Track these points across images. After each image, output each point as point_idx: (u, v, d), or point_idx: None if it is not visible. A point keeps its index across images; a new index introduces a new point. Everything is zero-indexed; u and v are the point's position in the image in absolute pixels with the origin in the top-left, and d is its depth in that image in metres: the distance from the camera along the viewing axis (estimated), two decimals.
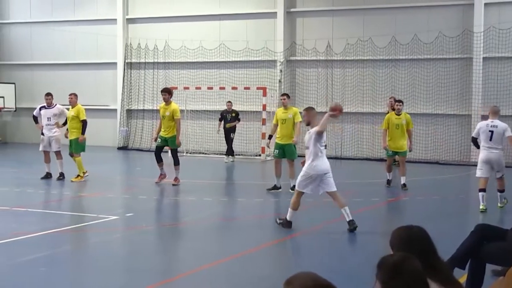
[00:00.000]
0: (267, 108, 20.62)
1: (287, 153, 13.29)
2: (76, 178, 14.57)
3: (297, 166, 11.55)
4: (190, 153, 21.64)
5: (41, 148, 15.09)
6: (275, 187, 13.30)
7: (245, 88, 21.65)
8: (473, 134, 11.51)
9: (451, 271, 4.09)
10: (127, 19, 24.58)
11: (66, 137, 14.96)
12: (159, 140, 14.31)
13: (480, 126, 11.24)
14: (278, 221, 9.61)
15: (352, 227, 9.27)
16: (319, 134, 9.29)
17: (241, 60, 22.62)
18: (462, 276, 5.87)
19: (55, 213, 11.33)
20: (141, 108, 24.42)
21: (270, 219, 10.32)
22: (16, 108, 25.62)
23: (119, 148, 24.08)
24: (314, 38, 21.74)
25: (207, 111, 22.78)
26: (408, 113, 14.71)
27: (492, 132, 10.97)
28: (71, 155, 14.84)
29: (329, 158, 20.09)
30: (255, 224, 10.36)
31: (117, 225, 10.15)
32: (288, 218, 9.53)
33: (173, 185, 13.97)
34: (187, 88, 22.37)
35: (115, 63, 24.68)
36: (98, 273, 7.30)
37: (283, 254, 8.85)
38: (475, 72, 19.88)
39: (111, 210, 11.15)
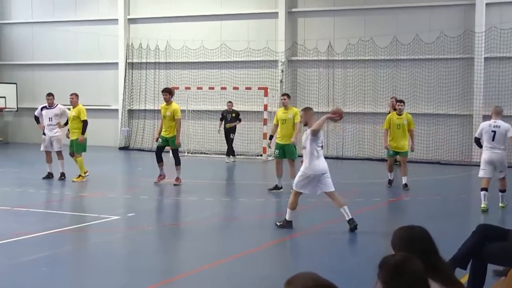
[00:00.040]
0: (269, 108, 20.62)
1: (287, 153, 13.30)
2: (77, 178, 14.58)
3: (297, 166, 11.55)
4: (191, 153, 21.64)
5: (42, 148, 15.10)
6: (276, 187, 13.31)
7: (247, 88, 21.65)
8: (476, 135, 11.51)
9: (453, 271, 4.08)
10: (128, 19, 24.59)
11: (68, 137, 14.97)
12: (160, 140, 14.33)
13: (483, 127, 11.24)
14: (278, 224, 9.61)
15: (352, 225, 9.27)
16: (314, 134, 9.28)
17: (242, 60, 22.62)
18: (463, 276, 5.86)
19: (56, 213, 11.34)
20: (143, 108, 24.43)
21: (271, 219, 10.32)
22: (17, 108, 25.64)
23: (120, 148, 24.09)
24: (316, 38, 21.74)
25: (208, 111, 22.78)
26: (409, 113, 14.71)
27: (494, 132, 10.97)
28: (72, 155, 14.85)
29: (330, 158, 20.22)
30: (256, 224, 10.35)
31: (118, 225, 10.16)
32: (287, 218, 9.53)
33: (175, 185, 13.98)
34: (189, 88, 22.37)
35: (116, 63, 24.69)
36: (99, 273, 7.30)
37: (284, 254, 8.85)
38: (476, 72, 19.86)
39: (113, 210, 11.16)
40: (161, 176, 14.31)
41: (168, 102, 14.11)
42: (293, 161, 13.22)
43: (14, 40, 26.64)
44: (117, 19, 24.51)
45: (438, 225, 9.06)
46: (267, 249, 8.75)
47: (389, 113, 15.03)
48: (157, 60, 24.12)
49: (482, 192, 11.06)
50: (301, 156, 9.78)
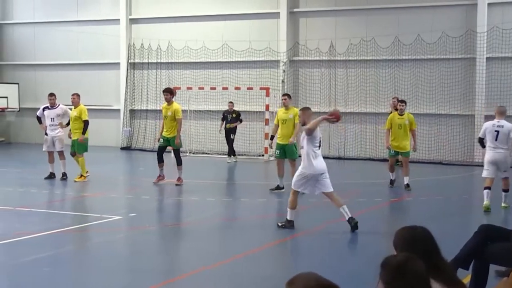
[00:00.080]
0: (270, 108, 20.62)
1: (287, 153, 13.29)
2: (79, 178, 14.59)
3: (298, 165, 11.54)
4: (193, 153, 21.64)
5: (44, 148, 15.12)
6: (278, 187, 13.31)
7: (248, 88, 21.64)
8: (480, 135, 11.52)
9: (455, 271, 4.08)
10: (130, 19, 24.60)
11: (70, 137, 14.98)
12: (161, 140, 14.34)
13: (486, 126, 11.28)
14: (280, 224, 9.61)
15: (352, 223, 9.26)
16: (308, 134, 9.30)
17: (244, 60, 22.62)
18: (465, 277, 5.86)
19: (58, 213, 11.35)
20: (144, 108, 24.45)
21: (273, 219, 10.32)
22: (19, 108, 25.67)
23: (122, 148, 24.10)
24: (317, 38, 21.73)
25: (210, 111, 22.78)
26: (411, 113, 14.69)
27: (498, 132, 11.01)
28: (73, 155, 14.86)
29: (332, 158, 20.23)
30: (258, 224, 10.35)
31: (120, 225, 10.17)
32: (288, 218, 9.54)
33: (176, 185, 13.98)
34: (190, 88, 22.37)
35: (118, 63, 24.70)
36: (101, 273, 7.31)
37: (286, 254, 8.85)
38: (478, 72, 19.84)
39: (114, 210, 11.16)
40: (160, 177, 14.31)
41: (169, 102, 14.12)
42: (294, 161, 13.21)
43: (16, 40, 26.67)
44: (119, 19, 24.53)
45: (440, 225, 9.05)
46: (269, 249, 8.75)
47: (391, 113, 15.03)
48: (158, 60, 24.13)
49: (485, 191, 11.09)
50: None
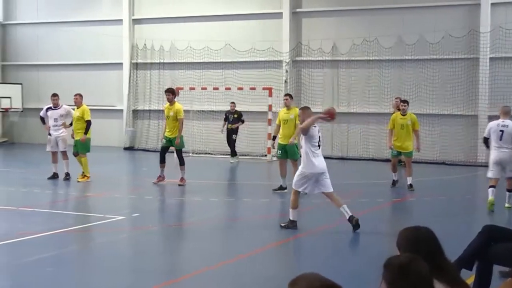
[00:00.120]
0: (273, 109, 20.60)
1: (289, 153, 13.27)
2: (82, 178, 14.61)
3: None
4: (196, 154, 21.64)
5: (48, 149, 15.13)
6: (281, 188, 13.30)
7: (251, 89, 21.64)
8: (485, 134, 11.56)
9: (458, 272, 4.08)
10: (133, 19, 24.63)
11: (73, 137, 15.00)
12: (164, 140, 14.34)
13: (491, 126, 11.32)
14: (283, 225, 9.61)
15: (353, 221, 9.26)
16: (303, 133, 9.32)
17: (246, 61, 22.62)
18: (469, 277, 5.85)
19: (61, 213, 11.36)
20: (147, 108, 24.47)
21: (276, 219, 10.32)
22: (23, 108, 25.72)
23: (125, 149, 24.12)
24: (320, 38, 21.72)
25: (213, 111, 22.78)
26: (414, 114, 14.66)
27: (502, 131, 11.05)
28: (75, 155, 14.87)
29: (335, 158, 20.20)
30: (260, 224, 10.35)
31: (123, 225, 10.17)
32: (291, 218, 9.53)
33: (179, 185, 13.99)
34: (193, 88, 22.38)
35: (121, 64, 24.73)
36: (104, 273, 7.32)
37: (289, 254, 8.85)
38: (481, 72, 19.80)
39: (118, 210, 11.17)
40: (160, 178, 14.30)
41: (171, 102, 14.14)
42: (296, 161, 13.19)
43: (19, 41, 26.71)
44: (121, 20, 24.56)
45: (444, 226, 9.04)
46: (272, 250, 8.75)
47: (394, 113, 15.01)
48: (161, 61, 24.15)
49: (490, 189, 11.14)
50: None
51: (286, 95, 14.18)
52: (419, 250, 3.35)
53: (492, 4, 19.71)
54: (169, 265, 7.98)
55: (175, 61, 23.83)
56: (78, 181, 14.49)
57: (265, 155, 20.74)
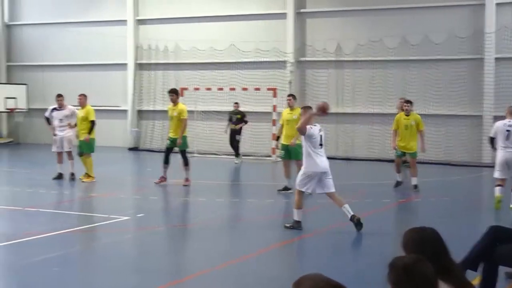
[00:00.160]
0: (278, 109, 20.57)
1: (292, 153, 13.24)
2: (87, 178, 14.64)
3: None
4: (200, 154, 21.65)
5: (54, 149, 15.17)
6: (286, 188, 13.28)
7: (256, 89, 21.63)
8: (491, 134, 11.58)
9: (464, 273, 4.07)
10: (137, 20, 24.67)
11: (78, 138, 15.04)
12: (168, 141, 14.35)
13: (497, 126, 11.35)
14: (287, 225, 9.60)
15: (355, 220, 9.25)
16: (300, 133, 9.33)
17: (251, 61, 22.62)
18: (474, 278, 5.84)
19: (66, 213, 11.40)
20: (152, 109, 24.50)
21: (280, 220, 10.31)
22: (28, 109, 25.79)
23: (130, 149, 24.15)
24: (324, 39, 21.71)
25: (217, 112, 22.78)
26: (419, 114, 14.62)
27: (509, 131, 11.07)
28: (80, 155, 14.91)
29: (339, 159, 20.14)
30: (265, 225, 10.34)
31: (128, 225, 10.19)
32: (295, 218, 9.52)
33: (184, 185, 14.00)
34: (198, 88, 22.39)
35: (125, 64, 24.77)
36: (109, 273, 7.34)
37: (293, 255, 8.85)
38: (486, 72, 19.76)
39: (122, 210, 11.19)
40: (162, 178, 14.29)
41: (175, 102, 14.15)
42: (299, 161, 13.18)
43: (24, 41, 26.79)
44: (126, 20, 24.60)
45: (449, 227, 9.03)
46: (276, 250, 8.75)
47: (398, 114, 14.98)
48: (166, 61, 24.17)
49: (497, 188, 11.14)
50: None
51: (289, 95, 14.18)
52: (424, 250, 3.35)
53: (497, 4, 19.66)
54: (173, 265, 8.00)
55: (179, 61, 23.85)
56: (83, 181, 14.52)
57: (270, 156, 20.73)
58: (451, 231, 7.69)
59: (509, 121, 11.19)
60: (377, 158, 20.69)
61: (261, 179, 16.38)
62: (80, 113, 14.84)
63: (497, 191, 11.15)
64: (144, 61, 24.61)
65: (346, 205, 9.41)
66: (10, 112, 25.69)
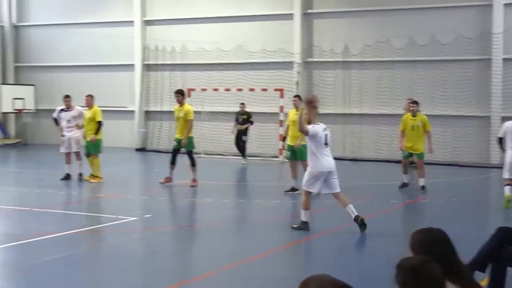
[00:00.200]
0: (285, 110, 20.57)
1: (297, 154, 13.24)
2: (94, 179, 14.69)
3: None
4: (207, 155, 21.67)
5: (62, 150, 15.22)
6: (293, 189, 13.27)
7: (263, 90, 21.63)
8: (500, 134, 11.59)
9: (472, 274, 4.07)
10: (144, 21, 24.73)
11: (85, 138, 15.10)
12: (175, 142, 14.37)
13: (507, 126, 11.35)
14: (294, 226, 9.59)
15: (359, 221, 9.24)
16: (302, 132, 9.35)
17: (258, 62, 22.63)
18: (483, 280, 5.82)
19: (74, 214, 11.44)
20: (159, 109, 24.55)
21: (287, 221, 10.31)
22: (36, 109, 25.90)
23: (137, 150, 24.21)
24: (331, 39, 21.70)
25: (224, 112, 22.80)
26: (426, 115, 14.58)
27: None
28: (88, 155, 14.96)
29: (347, 159, 20.10)
30: (272, 226, 10.34)
31: (135, 226, 10.22)
32: (303, 219, 9.51)
33: (191, 186, 14.02)
34: (205, 89, 22.42)
35: (132, 65, 24.84)
36: (116, 274, 7.36)
37: (301, 255, 8.85)
38: (494, 73, 19.69)
39: (130, 211, 11.23)
40: (168, 179, 14.31)
41: (181, 103, 14.18)
42: (305, 162, 13.16)
43: (32, 42, 26.91)
44: (133, 21, 24.67)
45: (456, 228, 8.99)
46: (284, 251, 8.75)
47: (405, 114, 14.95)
48: (173, 62, 24.22)
49: (507, 187, 11.12)
50: None
51: (295, 96, 14.18)
52: (432, 251, 3.34)
53: (505, 4, 19.59)
54: (181, 266, 8.01)
55: (186, 62, 23.90)
56: (90, 182, 14.56)
57: (277, 157, 20.73)
58: (459, 232, 7.67)
59: None
60: (385, 159, 20.65)
61: (268, 180, 16.38)
62: (87, 113, 14.88)
63: (507, 190, 11.15)
64: (151, 62, 24.67)
65: (351, 205, 9.41)
66: (18, 113, 25.81)
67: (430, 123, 14.19)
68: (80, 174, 14.92)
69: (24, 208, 11.41)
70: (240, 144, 20.12)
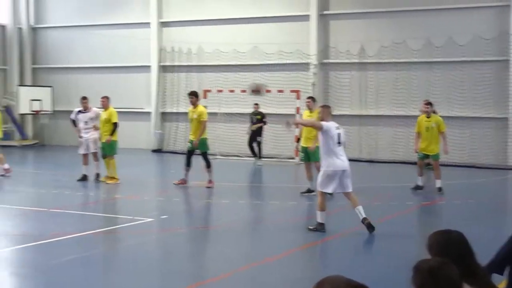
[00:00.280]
0: (301, 111, 20.56)
1: (311, 156, 13.21)
2: (111, 180, 14.77)
3: None
4: (223, 156, 21.71)
5: (81, 151, 15.31)
6: (309, 191, 13.24)
7: (279, 91, 21.62)
8: None
9: (489, 276, 4.03)
10: (161, 22, 24.84)
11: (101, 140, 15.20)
12: (189, 144, 14.40)
13: None
14: (310, 227, 9.58)
15: (365, 223, 9.23)
16: (316, 128, 9.39)
17: (274, 63, 22.63)
18: (501, 282, 5.77)
19: (91, 215, 11.53)
20: (175, 111, 24.64)
21: (303, 222, 10.30)
22: (53, 111, 26.12)
23: (153, 151, 24.31)
24: (348, 40, 21.63)
25: (240, 114, 22.81)
26: (442, 116, 14.49)
27: None
28: (104, 157, 15.06)
29: (363, 161, 20.04)
30: (288, 227, 10.33)
31: (152, 227, 10.27)
32: (319, 220, 9.50)
33: (207, 187, 14.05)
34: (221, 91, 22.46)
35: (149, 66, 24.96)
36: (133, 274, 7.40)
37: (316, 257, 8.83)
38: None
39: (146, 212, 11.28)
40: (182, 180, 14.33)
41: (195, 105, 14.22)
42: (318, 163, 13.12)
43: (50, 44, 27.14)
44: (149, 23, 24.78)
45: (474, 229, 8.91)
46: (300, 253, 8.74)
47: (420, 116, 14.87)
48: (189, 63, 24.30)
49: None
50: None
51: (308, 98, 14.14)
52: (449, 253, 3.32)
53: None
54: (196, 267, 8.03)
55: (202, 63, 23.96)
56: (107, 183, 14.65)
57: (293, 158, 20.71)
58: (476, 234, 7.61)
59: None
60: (401, 160, 20.52)
61: (284, 182, 16.37)
62: (103, 115, 14.98)
63: None
64: (167, 63, 24.77)
65: (360, 207, 9.39)
66: (36, 114, 26.04)
67: (446, 125, 14.10)
68: (97, 174, 15.02)
69: (41, 209, 11.51)
70: (254, 144, 20.11)
